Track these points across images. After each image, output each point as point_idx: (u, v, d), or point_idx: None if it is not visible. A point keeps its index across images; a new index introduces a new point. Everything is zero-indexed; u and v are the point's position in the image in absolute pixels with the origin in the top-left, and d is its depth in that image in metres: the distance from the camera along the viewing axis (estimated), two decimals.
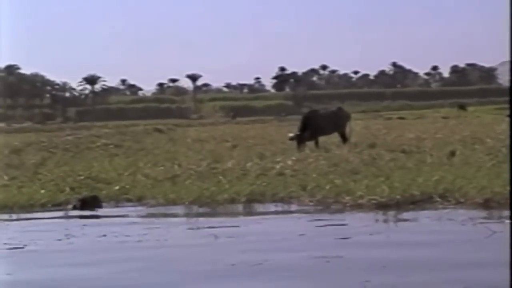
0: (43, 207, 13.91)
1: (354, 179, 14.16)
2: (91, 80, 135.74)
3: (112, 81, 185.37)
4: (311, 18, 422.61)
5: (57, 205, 13.97)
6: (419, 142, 23.17)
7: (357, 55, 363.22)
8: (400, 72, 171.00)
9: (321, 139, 23.73)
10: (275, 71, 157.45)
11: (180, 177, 16.14)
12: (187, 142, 30.82)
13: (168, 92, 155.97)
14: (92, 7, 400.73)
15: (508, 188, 11.64)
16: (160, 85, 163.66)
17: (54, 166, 20.42)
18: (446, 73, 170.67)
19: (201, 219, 12.28)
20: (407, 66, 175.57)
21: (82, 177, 16.72)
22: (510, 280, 5.78)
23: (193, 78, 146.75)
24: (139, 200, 14.05)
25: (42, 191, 15.01)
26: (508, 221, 10.09)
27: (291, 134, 23.63)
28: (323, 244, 9.53)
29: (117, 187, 15.07)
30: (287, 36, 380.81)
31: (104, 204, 13.93)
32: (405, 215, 11.57)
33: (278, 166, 16.97)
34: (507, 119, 33.36)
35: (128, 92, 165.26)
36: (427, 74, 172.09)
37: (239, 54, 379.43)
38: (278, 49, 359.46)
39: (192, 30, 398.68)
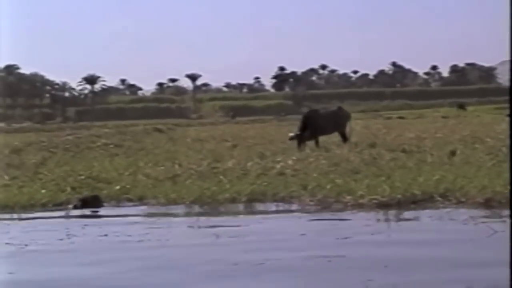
0: (44, 207, 13.90)
1: (355, 179, 14.16)
2: (91, 80, 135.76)
3: (111, 81, 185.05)
4: (311, 17, 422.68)
5: (58, 205, 13.96)
6: (419, 141, 23.16)
7: (357, 54, 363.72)
8: (399, 72, 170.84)
9: (322, 138, 23.74)
10: (274, 71, 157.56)
11: (181, 177, 16.14)
12: (187, 142, 30.82)
13: (167, 92, 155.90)
14: (92, 7, 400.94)
15: (508, 187, 11.64)
16: (160, 85, 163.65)
17: (54, 166, 20.41)
18: (445, 73, 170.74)
19: (202, 218, 12.27)
20: (407, 65, 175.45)
21: (82, 177, 16.72)
22: (510, 279, 5.77)
23: (193, 77, 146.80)
24: (140, 199, 14.05)
25: (43, 191, 15.01)
26: (509, 220, 10.09)
27: (291, 134, 23.62)
28: (324, 244, 9.53)
29: (118, 187, 15.05)
30: (286, 35, 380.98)
31: (105, 203, 13.93)
32: (406, 214, 11.58)
33: (278, 166, 16.97)
34: (507, 118, 33.36)
35: (127, 92, 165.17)
36: (426, 73, 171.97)
37: (238, 54, 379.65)
38: (277, 49, 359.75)
39: (191, 29, 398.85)
